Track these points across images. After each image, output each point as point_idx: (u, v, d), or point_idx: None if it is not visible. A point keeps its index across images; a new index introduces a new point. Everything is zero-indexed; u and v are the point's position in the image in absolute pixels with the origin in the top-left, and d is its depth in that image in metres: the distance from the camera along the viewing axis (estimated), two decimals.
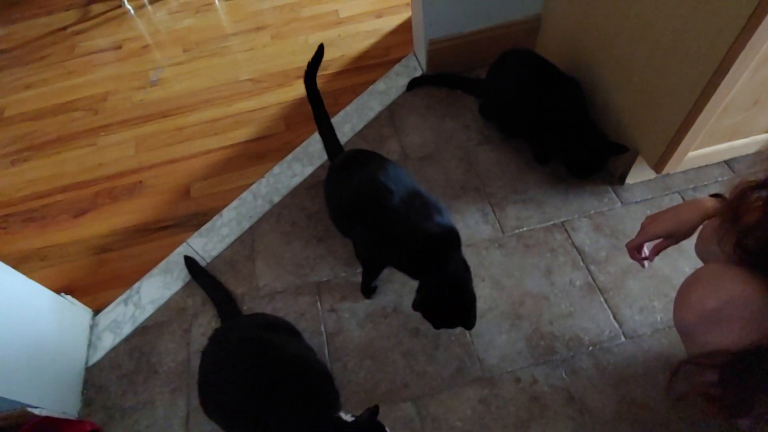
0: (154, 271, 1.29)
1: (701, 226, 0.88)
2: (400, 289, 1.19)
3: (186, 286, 1.25)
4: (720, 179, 1.30)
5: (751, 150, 1.16)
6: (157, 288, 1.25)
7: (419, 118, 1.52)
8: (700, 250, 0.91)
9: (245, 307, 1.19)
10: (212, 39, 1.95)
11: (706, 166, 1.28)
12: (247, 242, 1.32)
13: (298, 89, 1.69)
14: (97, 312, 1.24)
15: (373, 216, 1.00)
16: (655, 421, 0.97)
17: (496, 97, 1.40)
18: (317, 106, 1.21)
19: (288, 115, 1.63)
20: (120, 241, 1.37)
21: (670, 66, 1.01)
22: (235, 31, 1.97)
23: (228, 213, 1.38)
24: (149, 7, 2.16)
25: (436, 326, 1.02)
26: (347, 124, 1.54)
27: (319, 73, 1.75)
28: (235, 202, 1.41)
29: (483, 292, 1.16)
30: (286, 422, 0.82)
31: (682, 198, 1.27)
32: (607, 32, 1.21)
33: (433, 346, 1.10)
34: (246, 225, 1.35)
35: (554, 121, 1.25)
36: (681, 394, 0.74)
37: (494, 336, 1.10)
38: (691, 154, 1.11)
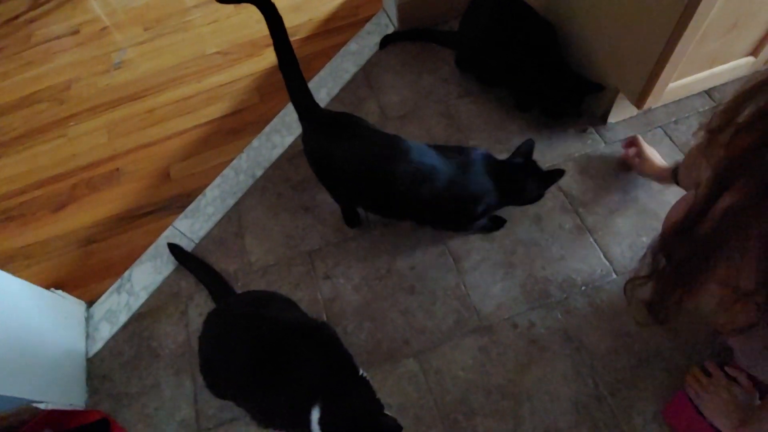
0: (143, 257, 1.27)
1: (686, 154, 0.88)
2: (392, 249, 1.19)
3: (177, 270, 1.24)
4: (701, 109, 1.29)
5: (732, 76, 1.15)
6: (149, 274, 1.24)
7: (395, 76, 1.48)
8: (685, 179, 0.91)
9: (239, 284, 1.19)
10: (173, 14, 1.86)
11: (686, 97, 1.27)
12: (234, 219, 1.30)
13: (269, 58, 1.64)
14: (90, 304, 1.23)
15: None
16: (648, 350, 1.00)
17: (470, 45, 1.37)
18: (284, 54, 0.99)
19: (261, 86, 1.58)
20: (105, 231, 1.35)
21: None
22: (196, 4, 1.88)
23: (211, 192, 1.36)
24: None
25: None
26: (323, 88, 1.50)
27: (291, 38, 1.71)
28: (217, 180, 1.38)
29: (474, 243, 1.17)
30: (306, 386, 0.78)
31: (665, 132, 1.27)
32: None
33: (430, 302, 1.11)
34: (231, 202, 1.33)
35: (529, 64, 1.22)
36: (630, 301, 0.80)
37: (489, 286, 1.11)
38: (672, 85, 1.10)
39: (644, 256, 0.73)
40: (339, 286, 1.16)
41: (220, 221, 1.30)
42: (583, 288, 1.08)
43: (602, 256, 1.12)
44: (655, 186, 1.18)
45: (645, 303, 0.75)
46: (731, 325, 0.66)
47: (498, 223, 1.17)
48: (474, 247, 1.16)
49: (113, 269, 1.28)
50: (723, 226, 0.58)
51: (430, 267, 1.15)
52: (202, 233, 1.29)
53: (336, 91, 1.49)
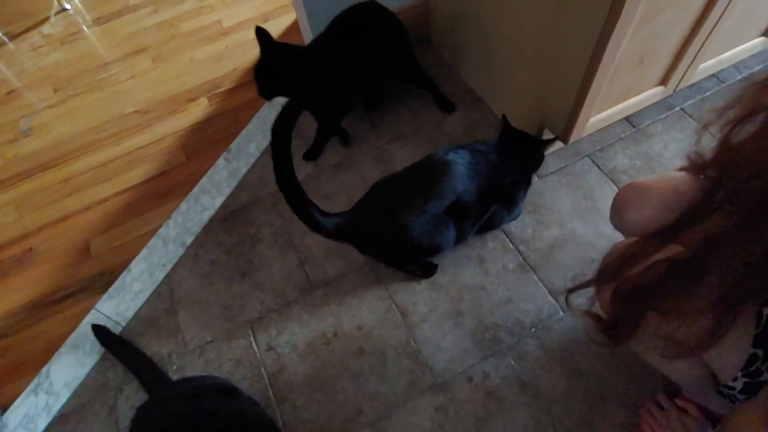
0: (62, 349, 1.15)
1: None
2: (336, 309, 1.13)
3: (103, 358, 1.13)
4: (623, 135, 1.34)
5: (647, 104, 1.19)
6: (70, 367, 1.12)
7: None
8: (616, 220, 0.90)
9: (174, 368, 1.09)
10: (86, 72, 1.76)
11: (608, 126, 1.31)
12: (165, 294, 1.20)
13: (193, 113, 1.56)
14: (3, 410, 1.09)
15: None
16: (603, 388, 0.99)
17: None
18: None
19: (186, 144, 1.50)
20: (16, 323, 1.21)
21: (558, 39, 1.01)
22: (111, 59, 1.78)
23: (137, 266, 1.26)
24: (10, 45, 1.92)
25: None
26: (251, 142, 1.44)
27: (213, 91, 1.65)
28: (143, 252, 1.28)
29: (421, 295, 1.13)
30: None
31: (592, 161, 1.30)
32: (492, 9, 1.19)
33: (380, 363, 1.06)
34: (160, 275, 1.23)
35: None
36: (580, 311, 0.78)
37: (440, 339, 1.07)
38: (593, 119, 1.13)
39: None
40: (284, 357, 1.09)
41: (149, 298, 1.20)
42: (532, 330, 1.06)
43: (547, 293, 1.11)
44: (589, 217, 1.20)
45: (601, 323, 0.74)
46: (680, 347, 0.65)
47: (429, 270, 1.15)
48: (420, 299, 1.13)
49: (28, 366, 1.14)
50: (708, 248, 0.58)
51: (378, 325, 1.10)
52: (129, 314, 1.18)
53: (265, 143, 1.43)
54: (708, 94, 1.39)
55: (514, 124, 1.12)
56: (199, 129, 1.53)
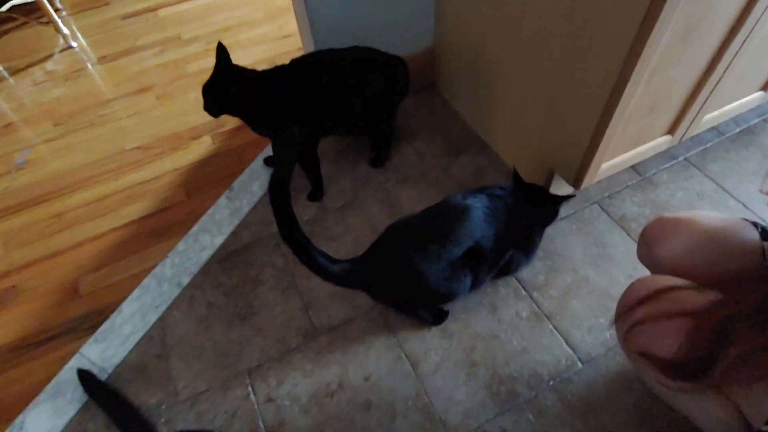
0: (41, 396, 1.05)
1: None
2: (342, 358, 1.07)
3: (85, 407, 1.03)
4: (629, 183, 1.34)
5: (653, 152, 1.20)
6: (47, 418, 1.02)
7: (331, 165, 1.43)
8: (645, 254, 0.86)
9: (162, 420, 1.00)
10: (88, 108, 1.74)
11: (615, 173, 1.32)
12: (157, 338, 1.13)
13: (195, 151, 1.54)
14: None
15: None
16: None
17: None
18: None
19: (187, 182, 1.46)
20: None
21: (571, 83, 1.02)
22: (114, 96, 1.78)
23: (129, 306, 1.18)
24: (10, 80, 1.90)
25: None
26: (255, 181, 1.41)
27: (219, 130, 1.64)
28: (136, 293, 1.21)
29: (431, 342, 1.07)
30: None
31: (601, 208, 1.29)
32: (502, 56, 1.22)
33: (389, 418, 0.98)
34: (153, 317, 1.16)
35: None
36: (637, 351, 0.70)
37: (453, 391, 1.01)
38: (604, 165, 1.13)
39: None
40: (284, 410, 1.00)
41: (139, 342, 1.12)
42: (551, 383, 1.01)
43: (564, 343, 1.06)
44: (602, 264, 1.17)
45: (662, 362, 0.65)
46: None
47: (440, 317, 1.10)
48: (431, 347, 1.07)
49: (2, 415, 1.04)
50: None
51: (387, 375, 1.03)
52: (116, 359, 1.09)
53: None
54: (709, 144, 1.41)
55: (522, 168, 1.11)
56: (201, 167, 1.50)
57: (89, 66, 1.93)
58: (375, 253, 0.95)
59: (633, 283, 0.78)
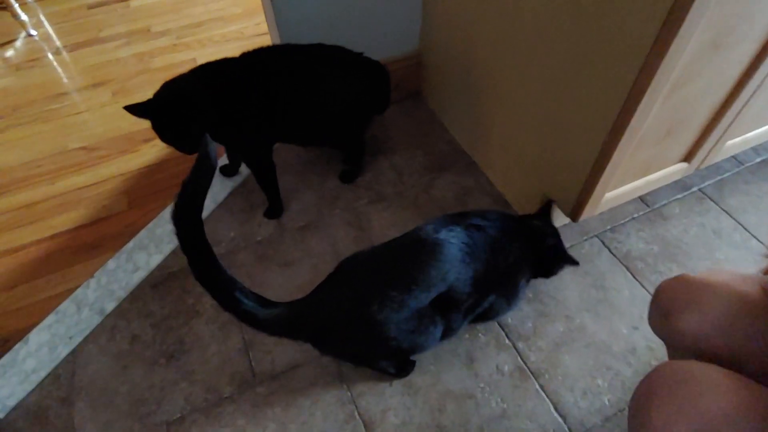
0: None
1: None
2: (282, 414, 0.87)
3: None
4: (636, 215, 1.16)
5: (666, 182, 1.03)
6: None
7: (295, 177, 1.25)
8: (660, 324, 0.68)
9: None
10: (36, 101, 1.56)
11: (620, 204, 1.15)
12: (65, 377, 0.94)
13: (146, 155, 1.36)
14: None
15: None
16: None
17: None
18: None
19: (132, 189, 1.28)
20: None
21: (572, 100, 0.85)
22: (67, 90, 1.60)
23: (37, 336, 0.99)
24: None
25: None
26: (208, 197, 1.23)
27: None
28: (49, 319, 1.02)
29: (392, 400, 0.89)
30: None
31: (602, 243, 1.11)
32: (495, 64, 1.05)
33: None
34: (64, 351, 0.97)
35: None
36: None
37: None
38: (608, 195, 0.95)
39: None
40: None
41: (42, 382, 0.93)
42: None
43: (552, 409, 0.87)
44: (601, 311, 0.99)
45: None
46: None
47: (405, 368, 0.91)
48: (391, 406, 0.88)
49: None
50: None
51: None
52: (11, 402, 0.90)
53: (223, 195, 1.23)
54: (727, 175, 1.24)
55: (513, 194, 0.94)
56: (150, 173, 1.32)
57: (48, 55, 1.76)
58: (322, 295, 0.76)
59: (652, 377, 0.57)
